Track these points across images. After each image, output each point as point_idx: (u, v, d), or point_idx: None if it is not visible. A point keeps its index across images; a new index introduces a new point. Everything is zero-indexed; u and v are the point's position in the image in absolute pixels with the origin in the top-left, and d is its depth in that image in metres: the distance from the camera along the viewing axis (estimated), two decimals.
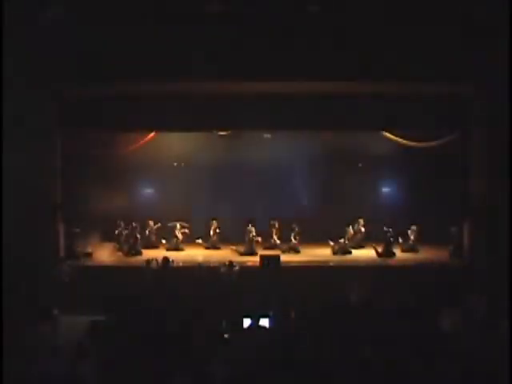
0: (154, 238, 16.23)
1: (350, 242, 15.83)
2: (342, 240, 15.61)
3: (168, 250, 15.59)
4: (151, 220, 16.21)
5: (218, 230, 16.10)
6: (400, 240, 15.60)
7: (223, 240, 16.11)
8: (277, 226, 16.19)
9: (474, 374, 6.57)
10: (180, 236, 15.90)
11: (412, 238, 15.72)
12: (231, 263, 12.60)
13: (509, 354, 6.74)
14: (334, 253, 15.41)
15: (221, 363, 6.66)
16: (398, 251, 15.43)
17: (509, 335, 7.32)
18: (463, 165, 14.76)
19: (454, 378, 6.55)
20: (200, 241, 16.11)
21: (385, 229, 15.38)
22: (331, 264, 14.34)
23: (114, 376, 6.72)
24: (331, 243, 15.57)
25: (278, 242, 15.99)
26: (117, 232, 15.81)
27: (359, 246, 16.05)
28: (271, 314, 8.45)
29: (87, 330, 7.91)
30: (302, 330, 7.87)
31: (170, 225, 15.97)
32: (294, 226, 15.79)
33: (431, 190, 16.09)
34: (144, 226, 16.05)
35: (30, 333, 8.43)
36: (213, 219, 16.13)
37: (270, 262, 13.54)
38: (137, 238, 15.54)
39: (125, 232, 15.75)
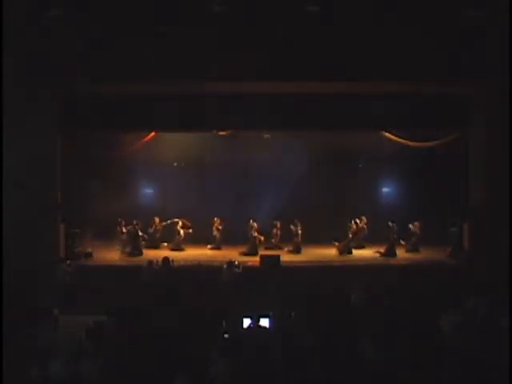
0: (158, 235, 16.24)
1: (352, 238, 15.87)
2: (345, 241, 15.65)
3: (172, 249, 15.63)
4: (157, 217, 16.25)
5: (220, 227, 16.13)
6: (403, 242, 15.65)
7: (225, 240, 16.16)
8: (278, 225, 16.22)
9: (474, 374, 6.57)
10: (182, 232, 15.93)
11: (414, 238, 15.76)
12: (231, 263, 12.61)
13: (509, 354, 6.74)
14: (341, 253, 15.44)
15: (221, 363, 6.66)
16: (401, 252, 15.46)
17: (509, 335, 7.31)
18: (463, 165, 14.77)
19: (454, 377, 6.55)
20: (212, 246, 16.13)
21: (389, 224, 15.42)
22: (331, 264, 14.34)
23: (114, 376, 6.72)
24: (336, 243, 15.61)
25: (278, 243, 16.04)
26: (117, 232, 15.82)
27: (360, 247, 16.10)
28: (271, 313, 8.45)
29: (87, 329, 7.91)
30: (302, 329, 7.87)
31: (172, 221, 16.03)
32: (295, 225, 15.83)
33: (431, 190, 16.11)
34: (144, 226, 16.07)
35: (29, 333, 8.43)
36: (215, 218, 16.18)
37: (269, 262, 13.56)
38: (138, 236, 15.55)
39: (125, 231, 15.77)
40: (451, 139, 14.90)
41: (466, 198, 14.66)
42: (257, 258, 14.13)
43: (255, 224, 15.75)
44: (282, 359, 6.85)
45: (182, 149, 16.74)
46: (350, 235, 15.85)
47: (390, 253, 15.21)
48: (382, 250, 15.35)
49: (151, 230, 16.13)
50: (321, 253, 15.67)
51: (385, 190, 17.93)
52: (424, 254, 15.49)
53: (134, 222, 15.73)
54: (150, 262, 12.51)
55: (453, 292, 11.14)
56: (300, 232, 15.82)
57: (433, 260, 14.75)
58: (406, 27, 12.41)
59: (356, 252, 15.73)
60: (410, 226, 15.73)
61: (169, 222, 16.12)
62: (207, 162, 16.78)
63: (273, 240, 16.12)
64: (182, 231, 15.94)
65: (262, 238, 15.83)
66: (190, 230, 16.01)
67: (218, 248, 16.04)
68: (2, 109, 12.21)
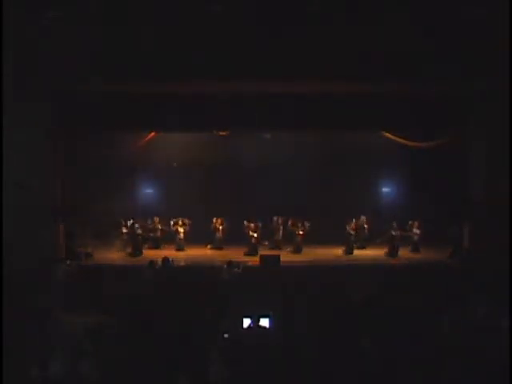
0: (158, 235, 16.24)
1: (352, 235, 15.90)
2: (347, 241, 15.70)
3: (177, 250, 15.66)
4: (157, 217, 16.28)
5: (221, 227, 16.12)
6: (412, 248, 15.70)
7: (225, 239, 16.18)
8: (280, 221, 16.24)
9: (475, 374, 6.57)
10: (182, 231, 15.93)
11: (414, 238, 15.79)
12: (231, 263, 12.60)
13: (509, 354, 6.75)
14: (345, 253, 15.53)
15: (221, 363, 6.66)
16: (401, 252, 15.48)
17: (509, 335, 7.32)
18: (463, 165, 14.77)
19: (454, 377, 6.56)
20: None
21: (394, 225, 15.49)
22: (332, 264, 14.34)
23: (114, 376, 6.73)
24: (342, 248, 15.69)
25: (281, 240, 16.09)
26: (117, 232, 15.83)
27: (361, 247, 16.14)
28: (271, 313, 8.45)
29: (87, 330, 7.91)
30: (303, 329, 7.87)
31: (172, 221, 16.05)
32: (295, 225, 15.86)
33: (431, 190, 16.11)
34: (145, 226, 16.09)
35: (30, 333, 8.43)
36: (214, 218, 16.19)
37: (270, 262, 13.56)
38: (137, 236, 15.55)
39: (125, 231, 15.78)
40: (451, 139, 14.89)
41: (466, 197, 14.66)
42: (257, 258, 14.13)
43: (251, 224, 15.77)
44: (282, 359, 6.86)
45: (182, 149, 16.74)
46: (352, 232, 15.87)
47: (392, 253, 15.25)
48: (385, 250, 15.42)
49: (149, 226, 16.12)
50: (321, 253, 15.67)
51: (385, 190, 17.93)
52: (424, 254, 15.49)
53: (132, 221, 15.75)
54: (151, 262, 12.49)
55: (453, 292, 11.16)
56: (300, 232, 15.83)
57: (433, 260, 14.75)
58: (406, 27, 12.40)
59: (357, 252, 15.75)
60: (412, 230, 15.80)
61: (172, 222, 16.13)
62: (207, 162, 16.78)
63: (275, 237, 16.15)
64: (182, 230, 15.95)
65: (267, 243, 15.92)
66: (187, 221, 16.01)
67: (218, 248, 16.05)
68: (2, 109, 12.21)
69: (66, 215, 14.40)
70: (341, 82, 13.19)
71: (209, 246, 16.16)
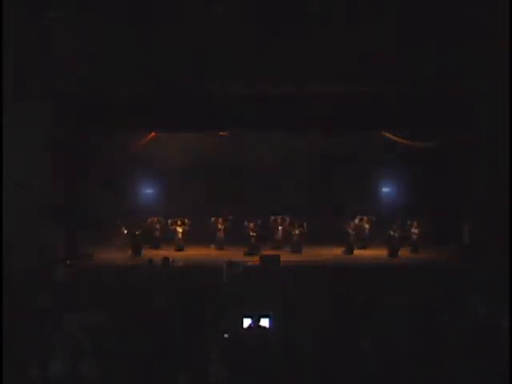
0: (157, 235, 16.25)
1: (352, 234, 15.90)
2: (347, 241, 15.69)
3: (176, 250, 15.67)
4: (156, 217, 16.29)
5: (222, 227, 16.12)
6: (411, 248, 15.69)
7: (226, 239, 16.19)
8: (279, 221, 16.25)
9: (475, 374, 6.57)
10: (180, 231, 15.94)
11: (414, 238, 15.80)
12: (231, 263, 12.60)
13: (509, 354, 6.75)
14: (346, 253, 15.54)
15: (221, 363, 6.66)
16: (401, 252, 15.49)
17: (509, 335, 7.32)
18: (464, 165, 14.77)
19: (454, 377, 6.56)
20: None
21: (394, 225, 15.49)
22: (332, 264, 14.34)
23: (114, 376, 6.72)
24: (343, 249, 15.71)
25: (281, 240, 16.07)
26: (117, 232, 15.83)
27: (362, 247, 16.15)
28: (271, 313, 8.44)
29: (87, 330, 7.90)
30: (303, 329, 7.87)
31: (170, 220, 16.06)
32: (295, 225, 15.87)
33: (431, 191, 16.12)
34: (144, 226, 16.10)
35: (29, 333, 8.42)
36: (212, 218, 16.20)
37: (270, 262, 13.56)
38: (137, 236, 15.56)
39: (124, 232, 15.79)
40: (451, 139, 14.89)
41: (466, 198, 14.66)
42: (257, 258, 14.13)
43: (251, 224, 15.78)
44: (282, 359, 6.86)
45: (182, 149, 16.75)
46: (352, 232, 15.88)
47: (392, 254, 15.25)
48: (385, 251, 15.42)
49: (149, 226, 16.15)
50: (321, 253, 15.66)
51: (385, 190, 17.95)
52: (424, 254, 15.49)
53: (131, 221, 15.76)
54: (150, 262, 12.49)
55: (453, 292, 11.16)
56: (299, 232, 15.84)
57: (433, 260, 14.75)
58: (406, 27, 12.40)
59: (357, 252, 15.75)
60: (412, 230, 15.82)
61: (169, 221, 16.15)
62: (207, 162, 16.78)
63: (275, 237, 16.15)
64: (180, 230, 15.95)
65: (268, 245, 15.90)
66: (186, 221, 16.00)
67: (220, 248, 16.05)
68: (2, 109, 12.21)
69: (66, 215, 14.39)
70: (341, 82, 13.20)
71: (212, 246, 16.15)
